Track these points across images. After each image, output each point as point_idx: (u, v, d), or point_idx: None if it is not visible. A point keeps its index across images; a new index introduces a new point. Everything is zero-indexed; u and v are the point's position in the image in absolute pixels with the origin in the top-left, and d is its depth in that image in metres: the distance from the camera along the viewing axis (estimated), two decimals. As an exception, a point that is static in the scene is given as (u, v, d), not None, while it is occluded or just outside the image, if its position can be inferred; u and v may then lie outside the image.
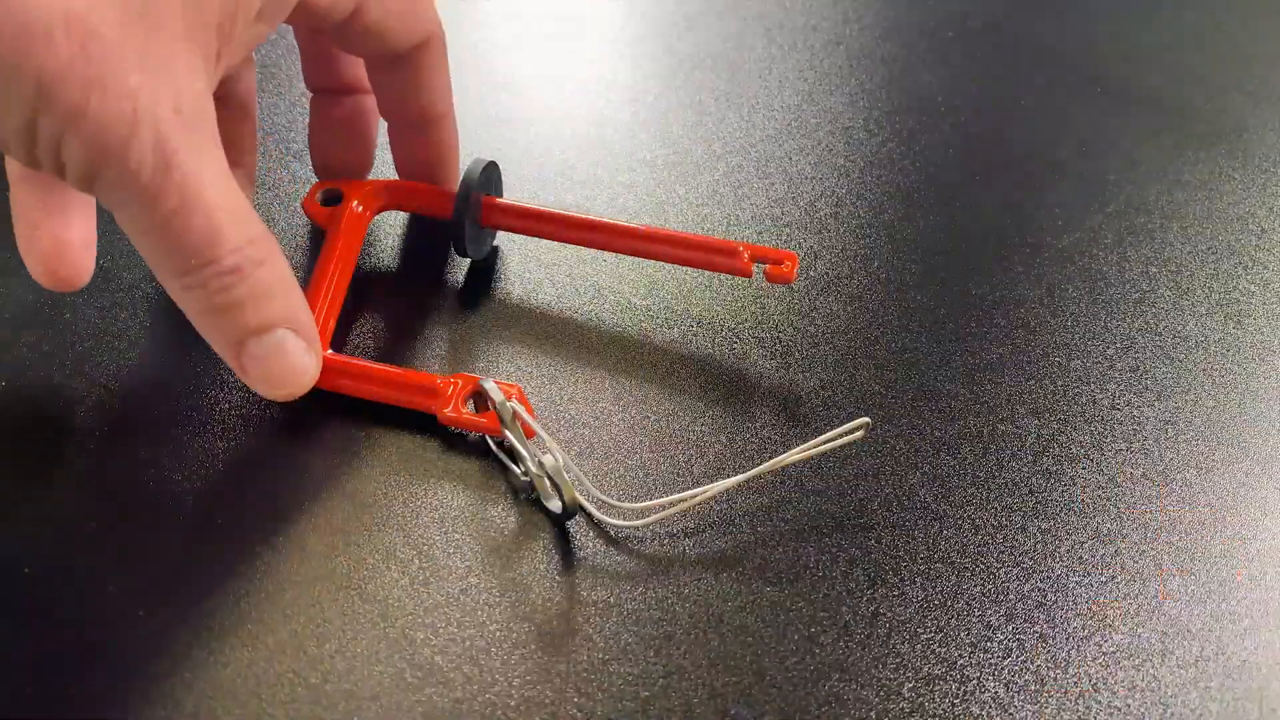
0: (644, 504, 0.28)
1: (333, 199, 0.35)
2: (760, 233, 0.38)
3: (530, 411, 0.29)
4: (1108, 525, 0.29)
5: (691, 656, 0.25)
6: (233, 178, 0.26)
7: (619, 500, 0.28)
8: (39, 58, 0.22)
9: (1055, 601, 0.27)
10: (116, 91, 0.23)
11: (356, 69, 0.35)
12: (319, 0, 0.28)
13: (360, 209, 0.34)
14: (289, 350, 0.27)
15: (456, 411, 0.29)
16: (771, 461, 0.28)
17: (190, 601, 0.26)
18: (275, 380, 0.28)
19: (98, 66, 0.23)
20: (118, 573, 0.26)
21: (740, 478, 0.28)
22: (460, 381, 0.30)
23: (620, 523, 0.28)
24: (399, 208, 0.36)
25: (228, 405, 0.31)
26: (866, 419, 0.28)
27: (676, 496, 0.28)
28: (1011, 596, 0.27)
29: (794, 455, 0.28)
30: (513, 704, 0.24)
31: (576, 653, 0.25)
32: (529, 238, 0.36)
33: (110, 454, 0.29)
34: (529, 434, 0.29)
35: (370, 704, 0.24)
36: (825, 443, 0.28)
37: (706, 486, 0.28)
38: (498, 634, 0.25)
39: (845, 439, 0.28)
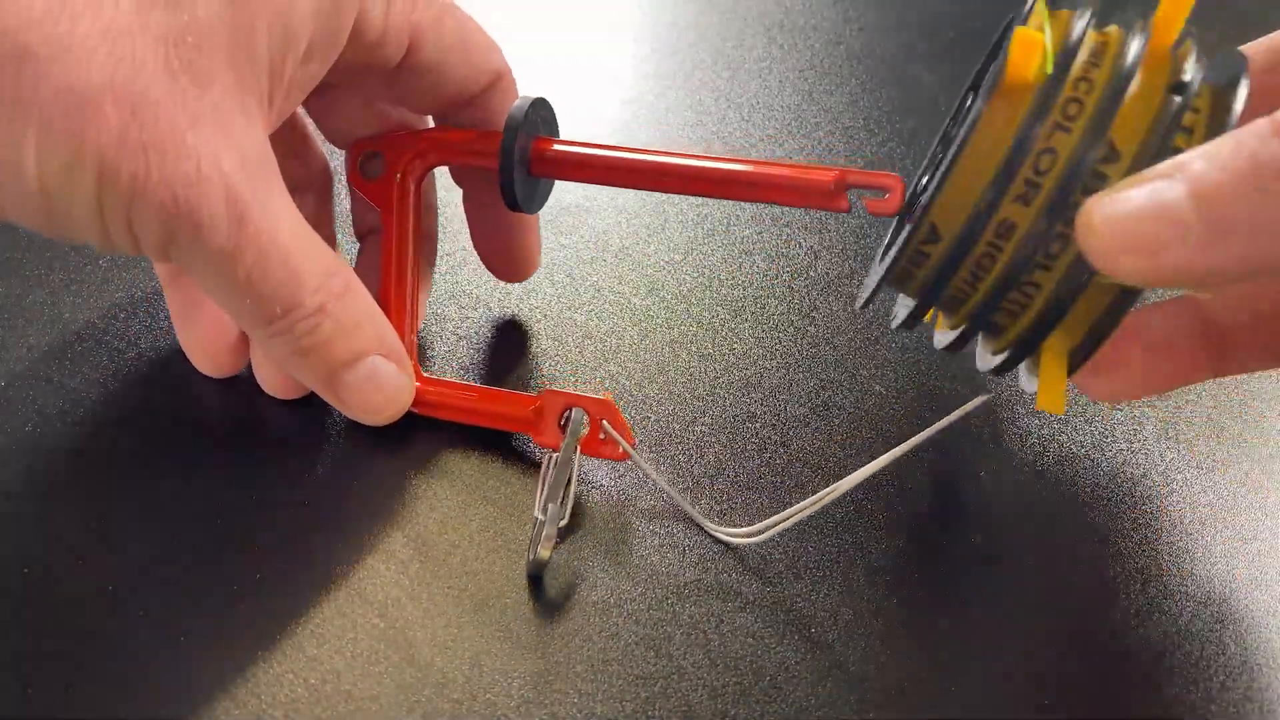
0: (758, 525, 0.27)
1: (375, 169, 0.31)
2: (760, 233, 0.38)
3: (623, 428, 0.28)
4: (1109, 525, 0.29)
5: (691, 656, 0.25)
6: (299, 212, 0.25)
7: (723, 525, 0.28)
8: (93, 132, 0.21)
9: (1056, 601, 0.27)
10: (176, 153, 0.22)
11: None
12: (369, 34, 0.26)
13: (404, 179, 0.31)
14: (382, 375, 0.27)
15: (554, 440, 0.29)
16: (894, 451, 0.27)
17: (190, 601, 0.26)
18: (374, 408, 0.28)
19: (152, 130, 0.22)
20: (118, 573, 0.26)
21: (862, 474, 0.27)
22: (551, 400, 0.29)
23: (738, 540, 0.27)
24: (448, 162, 0.32)
25: (223, 406, 0.31)
26: (989, 394, 0.27)
27: (796, 507, 0.27)
28: (1012, 596, 0.27)
29: (918, 439, 0.27)
30: (513, 704, 0.24)
31: (576, 653, 0.25)
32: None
33: (109, 454, 0.29)
34: (622, 456, 0.28)
35: (370, 704, 0.24)
36: (949, 420, 0.27)
37: (830, 488, 0.27)
38: (497, 634, 0.25)
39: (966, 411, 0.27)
